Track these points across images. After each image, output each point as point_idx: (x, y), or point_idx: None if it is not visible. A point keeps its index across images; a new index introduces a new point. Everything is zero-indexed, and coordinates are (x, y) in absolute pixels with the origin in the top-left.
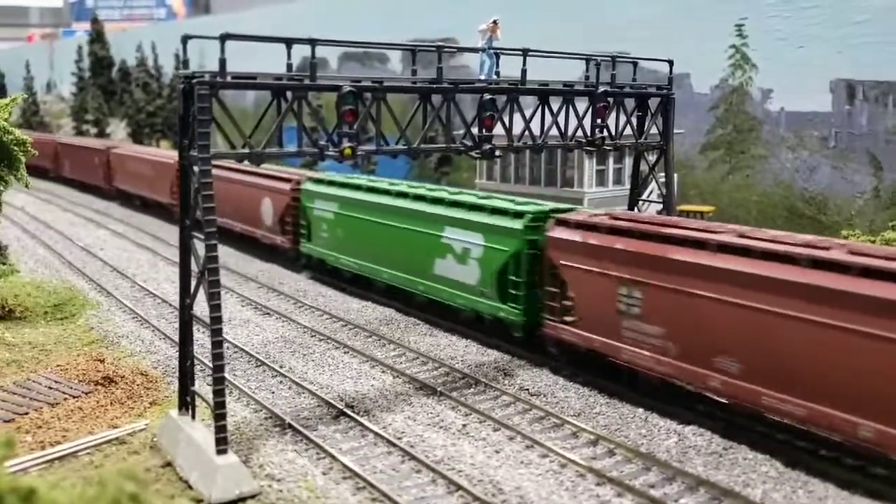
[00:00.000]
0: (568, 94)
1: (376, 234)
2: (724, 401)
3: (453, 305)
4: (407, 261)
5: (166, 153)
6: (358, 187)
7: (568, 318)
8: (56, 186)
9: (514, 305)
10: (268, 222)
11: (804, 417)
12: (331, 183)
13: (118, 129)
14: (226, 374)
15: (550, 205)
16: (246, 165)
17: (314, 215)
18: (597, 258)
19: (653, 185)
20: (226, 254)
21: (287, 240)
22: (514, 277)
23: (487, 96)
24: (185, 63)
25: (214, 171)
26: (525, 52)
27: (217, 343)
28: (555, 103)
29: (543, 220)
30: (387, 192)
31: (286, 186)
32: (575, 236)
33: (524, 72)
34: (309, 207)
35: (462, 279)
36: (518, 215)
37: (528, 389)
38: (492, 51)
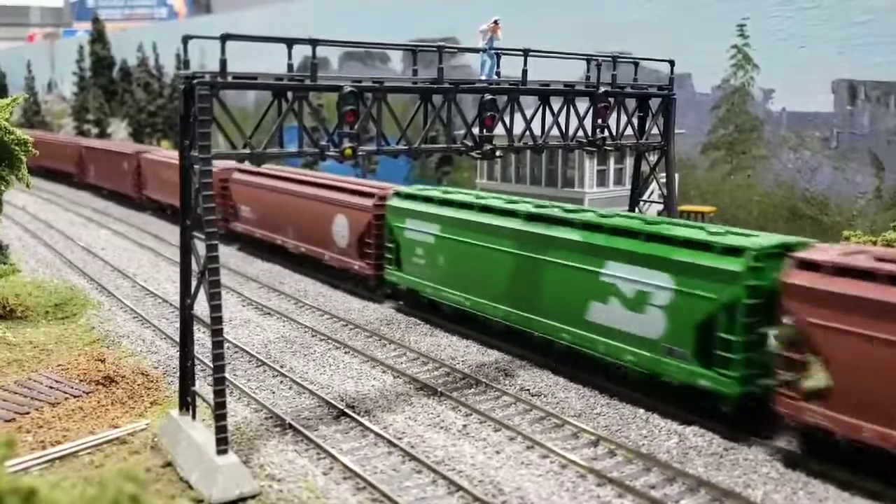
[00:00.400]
0: (569, 94)
1: (497, 265)
2: None
3: (617, 362)
4: (544, 301)
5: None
6: (468, 206)
7: (810, 390)
8: (59, 187)
9: (724, 372)
10: (341, 243)
11: None
12: (428, 199)
13: (119, 129)
14: (226, 374)
15: (775, 236)
16: (313, 176)
17: (405, 237)
18: (876, 318)
19: (654, 185)
20: (226, 254)
21: (367, 265)
22: (725, 335)
23: (488, 96)
24: (186, 63)
25: (269, 182)
26: (526, 53)
27: (217, 343)
28: (555, 103)
29: (775, 258)
30: (511, 214)
31: (367, 202)
32: (834, 285)
33: (525, 72)
34: (398, 227)
35: (635, 331)
36: (733, 251)
37: (528, 390)
38: (492, 51)
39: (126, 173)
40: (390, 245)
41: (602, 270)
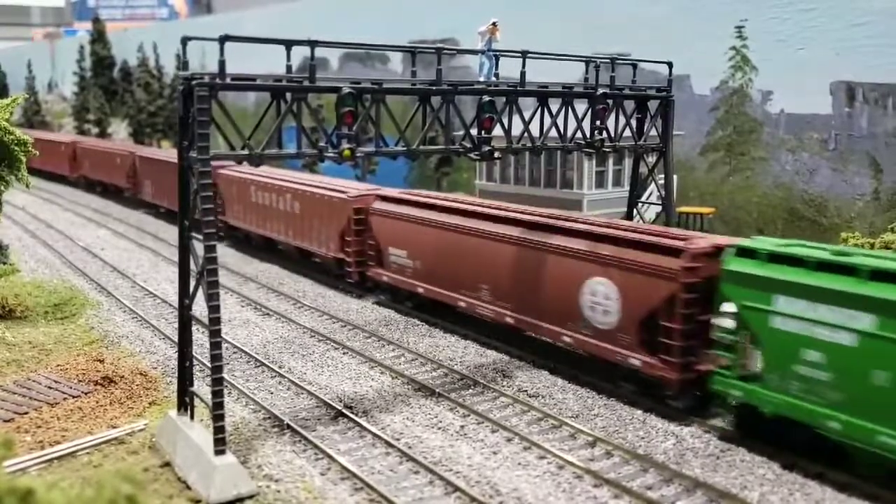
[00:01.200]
0: (567, 95)
1: None
2: None
3: None
4: None
5: (327, 181)
6: None
7: None
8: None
9: None
10: (601, 322)
11: None
12: (834, 267)
13: (120, 129)
14: (224, 375)
15: None
16: (541, 215)
17: (773, 328)
18: None
19: (652, 186)
20: (225, 254)
21: (663, 364)
22: None
23: (487, 98)
24: (186, 64)
25: (445, 218)
26: (524, 54)
27: (215, 343)
28: (554, 105)
29: None
30: None
31: (669, 262)
32: None
33: (523, 73)
34: (753, 310)
35: None
36: None
37: (526, 391)
38: (491, 52)
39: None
40: (730, 337)
41: None
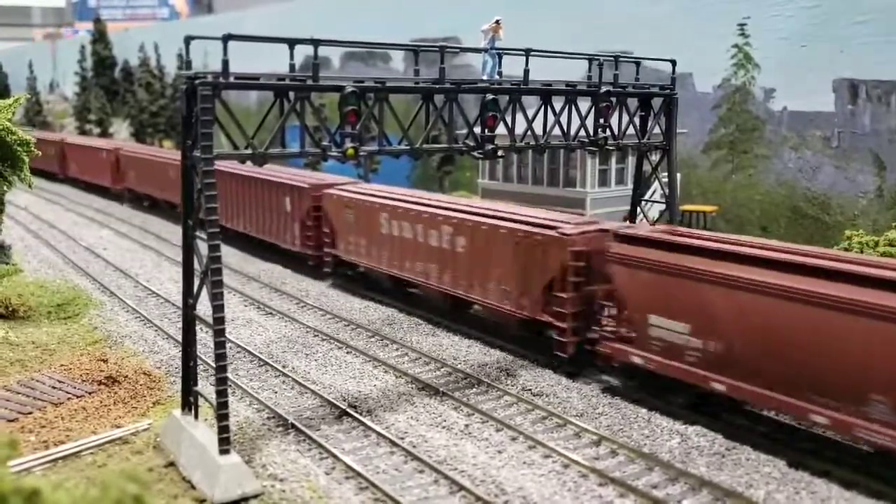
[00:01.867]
0: (571, 94)
1: None
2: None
3: None
4: None
5: (505, 209)
6: None
7: None
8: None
9: None
10: None
11: None
12: None
13: (121, 129)
14: (228, 374)
15: None
16: None
17: None
18: None
19: (655, 185)
20: (229, 254)
21: None
22: None
23: (490, 96)
24: (188, 64)
25: (826, 290)
26: (528, 52)
27: (220, 343)
28: (557, 103)
29: None
30: None
31: None
32: None
33: (527, 72)
34: None
35: None
36: None
37: (530, 390)
38: (494, 51)
39: (288, 218)
40: None
41: None
